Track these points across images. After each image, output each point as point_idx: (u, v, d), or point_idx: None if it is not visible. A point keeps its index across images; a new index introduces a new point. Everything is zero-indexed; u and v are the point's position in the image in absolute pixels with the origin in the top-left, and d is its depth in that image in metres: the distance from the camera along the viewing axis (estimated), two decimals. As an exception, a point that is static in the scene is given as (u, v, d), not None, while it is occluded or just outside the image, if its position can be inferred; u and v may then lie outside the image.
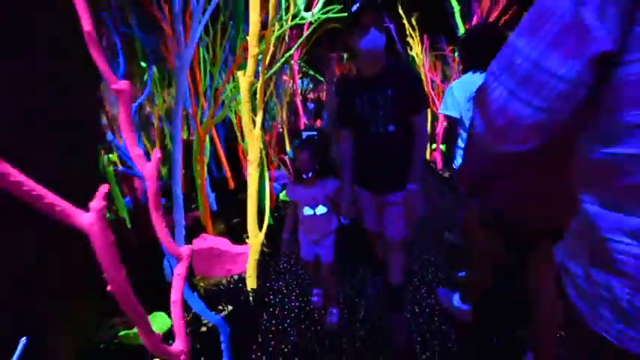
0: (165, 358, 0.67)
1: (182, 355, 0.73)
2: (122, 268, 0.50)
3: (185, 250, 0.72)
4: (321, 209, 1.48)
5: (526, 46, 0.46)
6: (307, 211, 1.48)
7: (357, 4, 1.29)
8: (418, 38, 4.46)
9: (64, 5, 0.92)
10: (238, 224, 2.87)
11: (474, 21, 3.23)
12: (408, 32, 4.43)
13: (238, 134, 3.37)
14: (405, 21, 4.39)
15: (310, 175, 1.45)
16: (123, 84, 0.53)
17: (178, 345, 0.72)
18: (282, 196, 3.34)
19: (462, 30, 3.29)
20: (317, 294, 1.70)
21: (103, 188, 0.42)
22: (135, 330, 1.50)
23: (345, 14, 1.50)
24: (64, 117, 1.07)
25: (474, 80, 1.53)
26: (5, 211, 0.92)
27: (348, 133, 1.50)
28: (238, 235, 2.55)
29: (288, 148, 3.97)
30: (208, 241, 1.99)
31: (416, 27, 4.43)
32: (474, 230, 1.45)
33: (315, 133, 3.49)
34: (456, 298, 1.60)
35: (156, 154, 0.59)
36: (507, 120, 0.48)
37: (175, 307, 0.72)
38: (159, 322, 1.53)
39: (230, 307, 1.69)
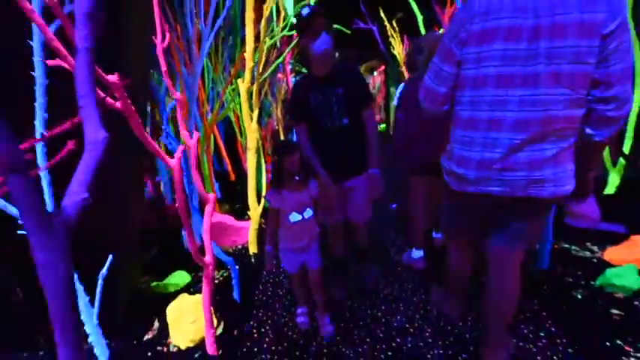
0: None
1: (210, 265, 1.16)
2: (185, 193, 0.93)
3: (211, 195, 1.14)
4: (308, 212, 1.39)
5: (436, 59, 1.07)
6: (295, 217, 1.36)
7: (308, 10, 1.39)
8: (399, 39, 4.85)
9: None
10: (240, 209, 3.28)
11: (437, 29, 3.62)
12: (390, 33, 4.82)
13: (237, 131, 3.77)
14: (386, 23, 4.78)
15: (301, 176, 1.36)
16: (179, 94, 0.94)
17: (208, 258, 1.15)
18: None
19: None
20: (302, 313, 1.54)
21: (181, 147, 0.83)
22: (163, 282, 1.91)
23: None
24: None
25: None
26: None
27: (302, 127, 1.56)
28: (240, 217, 2.95)
29: (283, 142, 4.33)
30: (216, 217, 2.39)
31: (397, 28, 4.82)
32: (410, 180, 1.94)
33: (305, 128, 3.85)
34: (412, 252, 2.00)
35: (196, 134, 1.00)
36: (433, 94, 1.10)
37: (206, 235, 1.14)
38: (179, 277, 1.94)
39: (237, 267, 2.10)
